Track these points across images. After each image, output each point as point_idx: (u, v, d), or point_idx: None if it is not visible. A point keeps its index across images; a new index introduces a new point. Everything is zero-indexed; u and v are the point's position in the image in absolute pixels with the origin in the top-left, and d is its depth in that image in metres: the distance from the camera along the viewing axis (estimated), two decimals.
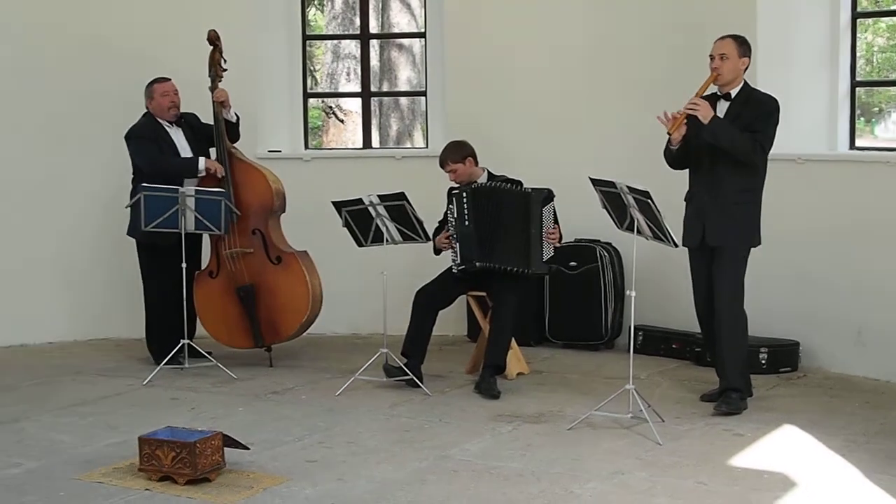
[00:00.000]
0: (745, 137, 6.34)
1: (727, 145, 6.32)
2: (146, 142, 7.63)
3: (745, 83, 6.54)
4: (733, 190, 6.44)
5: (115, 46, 8.58)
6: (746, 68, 6.53)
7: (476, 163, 7.33)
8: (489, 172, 7.37)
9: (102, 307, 8.79)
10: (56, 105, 8.59)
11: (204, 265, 7.91)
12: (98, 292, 8.80)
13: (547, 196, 7.13)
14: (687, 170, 6.69)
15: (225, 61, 7.76)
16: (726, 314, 6.48)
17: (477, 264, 7.17)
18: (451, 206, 7.27)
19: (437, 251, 7.42)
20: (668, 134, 6.45)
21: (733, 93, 6.50)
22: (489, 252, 7.15)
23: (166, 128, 7.73)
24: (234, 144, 7.85)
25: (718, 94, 6.51)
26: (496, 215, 7.15)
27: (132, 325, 8.45)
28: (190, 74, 7.90)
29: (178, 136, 7.77)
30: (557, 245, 7.20)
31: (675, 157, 6.61)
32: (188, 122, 7.83)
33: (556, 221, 7.19)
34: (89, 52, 8.59)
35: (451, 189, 7.39)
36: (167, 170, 7.53)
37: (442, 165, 7.34)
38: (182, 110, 7.79)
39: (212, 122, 7.77)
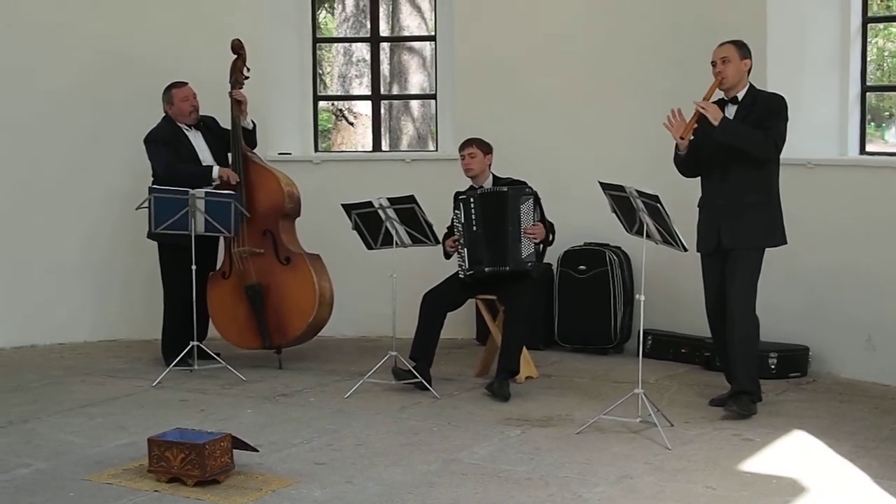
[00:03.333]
0: (758, 134, 6.35)
1: (740, 143, 6.33)
2: (164, 146, 7.65)
3: (751, 85, 6.56)
4: (747, 192, 6.45)
5: (132, 49, 8.61)
6: (749, 70, 6.55)
7: (490, 165, 7.37)
8: (494, 176, 7.39)
9: (113, 309, 8.81)
10: (74, 107, 8.61)
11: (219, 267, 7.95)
12: (110, 294, 8.83)
13: (526, 193, 7.14)
14: (699, 176, 6.70)
15: (248, 70, 7.79)
16: (740, 318, 6.48)
17: (486, 270, 7.17)
18: (457, 211, 7.28)
19: (448, 255, 7.43)
20: (680, 138, 6.43)
21: (740, 96, 6.52)
22: (495, 256, 7.15)
23: (185, 131, 7.76)
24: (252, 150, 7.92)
25: (725, 98, 6.53)
26: (497, 219, 7.15)
27: (142, 326, 8.51)
28: (204, 76, 7.93)
29: (197, 140, 7.80)
30: (537, 242, 7.19)
31: (685, 164, 6.61)
32: (207, 126, 7.87)
33: (542, 219, 7.19)
34: (106, 54, 8.62)
35: (458, 194, 7.39)
36: (182, 176, 7.54)
37: (464, 147, 7.35)
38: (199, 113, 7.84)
39: (230, 127, 7.81)
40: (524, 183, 7.27)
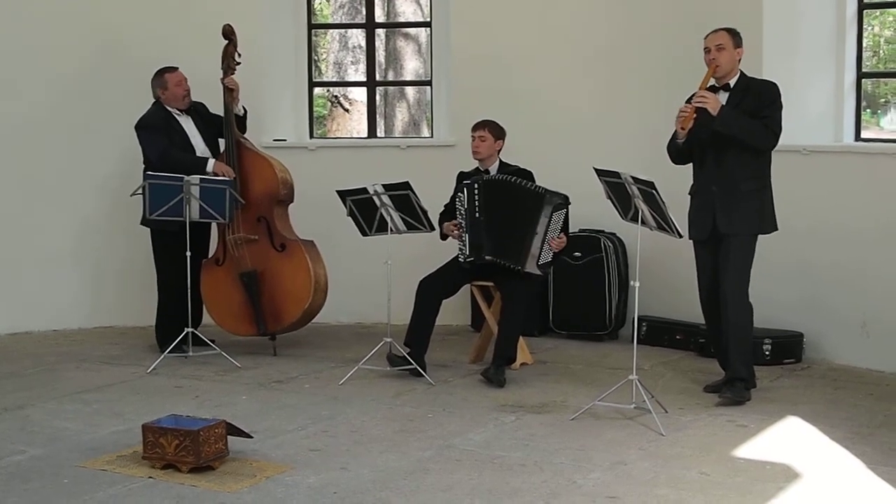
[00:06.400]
0: (757, 124, 6.36)
1: (739, 134, 6.32)
2: (157, 133, 7.63)
3: (742, 73, 6.55)
4: (742, 178, 6.45)
5: (125, 37, 8.61)
6: (740, 59, 6.54)
7: (500, 151, 7.37)
8: (501, 161, 7.38)
9: (108, 295, 8.82)
10: (67, 96, 8.61)
11: (212, 253, 7.93)
12: (104, 281, 8.83)
13: (561, 202, 7.10)
14: (689, 164, 6.69)
15: (239, 55, 7.76)
16: (733, 304, 6.49)
17: (487, 258, 7.16)
18: (460, 194, 7.25)
19: (444, 237, 7.41)
20: (681, 129, 6.42)
21: (732, 83, 6.52)
22: (499, 246, 7.14)
23: (176, 116, 7.74)
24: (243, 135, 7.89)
25: (717, 85, 6.51)
26: (510, 210, 7.13)
27: (137, 313, 8.51)
28: (196, 63, 7.91)
29: (188, 125, 7.77)
30: (556, 252, 7.19)
31: (679, 152, 6.61)
32: (197, 111, 7.85)
33: (565, 230, 7.17)
34: (99, 43, 8.62)
35: (462, 175, 7.38)
36: (176, 164, 7.53)
37: (476, 128, 7.34)
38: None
39: (220, 113, 7.79)
40: (531, 173, 7.27)
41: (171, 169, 7.45)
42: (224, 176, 7.57)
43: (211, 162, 7.63)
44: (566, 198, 7.12)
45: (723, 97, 6.47)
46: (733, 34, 6.51)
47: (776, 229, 6.63)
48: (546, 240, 7.09)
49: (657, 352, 7.85)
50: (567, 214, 7.16)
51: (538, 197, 7.11)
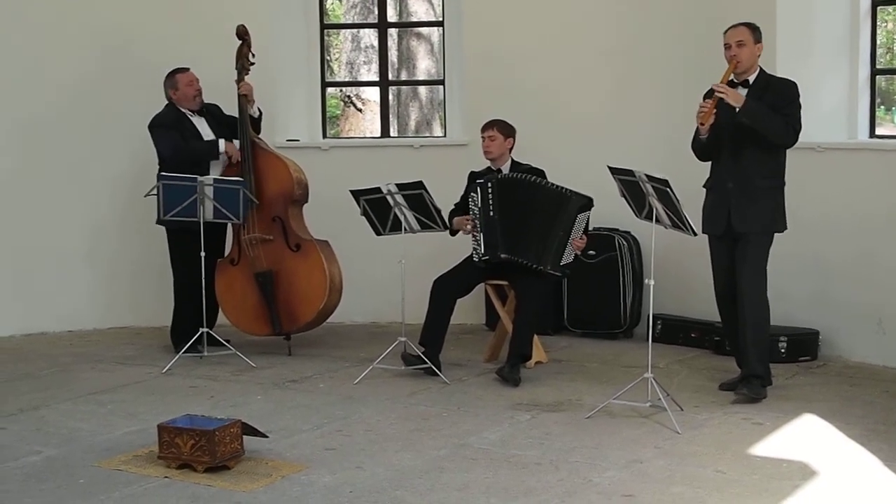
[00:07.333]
0: (780, 120, 6.34)
1: (763, 128, 6.30)
2: (169, 130, 7.66)
3: (761, 69, 6.53)
4: (758, 176, 6.43)
5: (137, 37, 8.62)
6: (760, 54, 6.51)
7: (511, 149, 7.36)
8: (513, 160, 7.37)
9: (122, 296, 8.84)
10: (79, 96, 8.63)
11: (227, 254, 7.95)
12: (118, 281, 8.85)
13: (586, 204, 7.09)
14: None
15: (253, 55, 7.78)
16: (749, 301, 6.47)
17: (502, 256, 7.15)
18: (474, 194, 7.24)
19: (454, 232, 7.40)
20: (700, 125, 6.40)
21: (751, 79, 6.49)
22: (514, 244, 7.13)
23: (189, 116, 7.76)
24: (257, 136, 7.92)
25: (735, 81, 6.49)
26: (525, 208, 7.12)
27: (152, 313, 8.53)
28: (207, 64, 7.92)
29: (201, 124, 7.81)
30: (579, 254, 7.18)
31: (703, 148, 6.57)
32: (211, 113, 7.87)
33: (587, 231, 7.17)
34: (109, 43, 8.63)
35: (474, 175, 7.38)
36: (189, 155, 7.55)
37: (485, 129, 7.35)
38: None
39: (234, 114, 7.81)
40: (543, 171, 7.27)
41: (187, 159, 7.50)
42: (233, 157, 7.59)
43: (221, 141, 7.68)
44: (591, 199, 7.11)
45: (742, 93, 6.43)
46: (753, 29, 6.48)
47: (786, 228, 6.61)
48: (570, 240, 7.08)
49: (672, 350, 7.83)
50: (589, 217, 7.16)
51: (563, 198, 7.10)
